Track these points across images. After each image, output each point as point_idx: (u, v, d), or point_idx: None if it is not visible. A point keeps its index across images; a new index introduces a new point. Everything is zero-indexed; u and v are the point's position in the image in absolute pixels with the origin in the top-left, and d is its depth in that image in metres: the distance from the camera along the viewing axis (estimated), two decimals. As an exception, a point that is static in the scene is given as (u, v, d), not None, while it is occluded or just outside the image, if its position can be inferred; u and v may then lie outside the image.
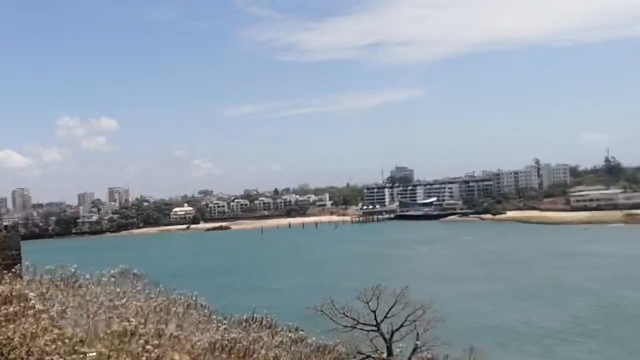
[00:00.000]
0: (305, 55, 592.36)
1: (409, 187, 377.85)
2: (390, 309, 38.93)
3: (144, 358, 15.62)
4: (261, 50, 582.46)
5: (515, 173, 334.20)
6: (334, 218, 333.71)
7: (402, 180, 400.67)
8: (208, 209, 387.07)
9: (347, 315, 38.25)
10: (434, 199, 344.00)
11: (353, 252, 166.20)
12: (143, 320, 19.40)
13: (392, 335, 36.99)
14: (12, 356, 15.66)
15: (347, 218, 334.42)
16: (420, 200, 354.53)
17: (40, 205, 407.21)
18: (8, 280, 24.01)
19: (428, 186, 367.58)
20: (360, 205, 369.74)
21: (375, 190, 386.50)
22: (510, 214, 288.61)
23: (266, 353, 21.02)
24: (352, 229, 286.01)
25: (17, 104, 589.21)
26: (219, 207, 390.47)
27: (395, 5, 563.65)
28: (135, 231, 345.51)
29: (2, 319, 16.84)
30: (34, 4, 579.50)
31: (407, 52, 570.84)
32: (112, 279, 27.49)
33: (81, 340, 17.00)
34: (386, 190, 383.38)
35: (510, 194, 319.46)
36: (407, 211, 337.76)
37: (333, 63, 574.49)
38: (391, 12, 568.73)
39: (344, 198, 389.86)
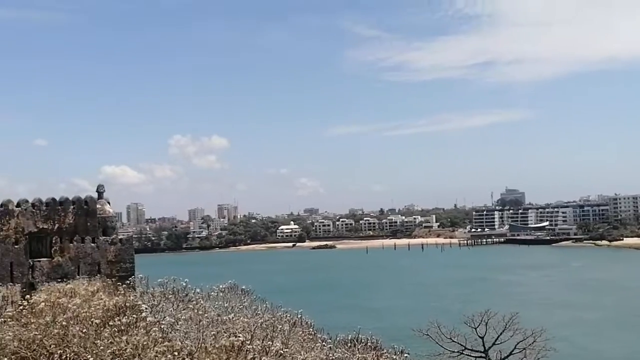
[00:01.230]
0: (413, 75, 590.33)
1: (520, 211, 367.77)
2: (499, 336, 37.81)
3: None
4: (368, 70, 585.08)
5: (634, 198, 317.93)
6: (441, 240, 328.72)
7: (512, 203, 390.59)
8: (313, 228, 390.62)
9: (453, 340, 37.42)
10: (546, 223, 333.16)
11: (460, 276, 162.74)
12: (250, 336, 19.53)
13: (501, 363, 35.84)
14: (124, 366, 16.12)
15: (455, 241, 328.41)
16: (531, 224, 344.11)
17: (153, 220, 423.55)
18: (122, 292, 24.89)
19: (540, 210, 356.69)
20: (468, 227, 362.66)
21: (485, 212, 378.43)
22: (627, 240, 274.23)
23: (371, 375, 20.70)
24: (459, 252, 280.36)
25: (133, 122, 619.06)
26: (324, 225, 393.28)
27: (504, 25, 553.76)
28: (243, 247, 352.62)
29: (115, 330, 17.37)
30: (147, 24, 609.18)
31: (516, 71, 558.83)
32: (221, 294, 28.00)
33: (190, 354, 17.29)
34: (496, 213, 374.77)
35: (628, 219, 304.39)
36: (518, 235, 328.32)
37: (441, 82, 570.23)
38: (500, 31, 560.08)
39: (451, 220, 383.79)
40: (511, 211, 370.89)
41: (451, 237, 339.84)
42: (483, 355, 36.88)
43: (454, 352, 36.90)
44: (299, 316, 28.31)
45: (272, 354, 18.52)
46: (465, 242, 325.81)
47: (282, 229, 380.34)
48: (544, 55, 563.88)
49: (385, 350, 28.06)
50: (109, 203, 37.98)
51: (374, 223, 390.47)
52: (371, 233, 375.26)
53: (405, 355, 27.64)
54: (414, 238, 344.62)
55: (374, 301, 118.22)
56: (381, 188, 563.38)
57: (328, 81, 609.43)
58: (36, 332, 17.51)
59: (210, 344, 18.62)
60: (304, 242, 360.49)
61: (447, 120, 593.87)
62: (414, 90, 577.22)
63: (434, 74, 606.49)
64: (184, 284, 27.55)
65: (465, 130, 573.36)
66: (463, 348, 37.32)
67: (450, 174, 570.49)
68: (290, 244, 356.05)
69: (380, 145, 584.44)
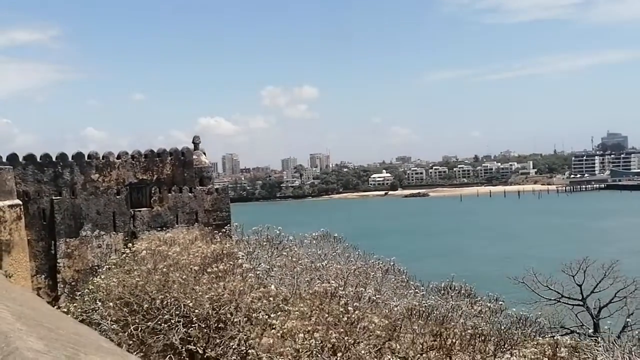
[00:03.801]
0: (509, 16, 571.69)
1: (622, 155, 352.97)
2: (598, 284, 36.75)
3: (344, 319, 15.87)
4: (464, 12, 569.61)
5: None
6: (538, 187, 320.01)
7: (614, 147, 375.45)
8: (406, 176, 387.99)
9: (550, 288, 36.65)
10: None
11: (557, 223, 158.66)
12: (343, 283, 19.75)
13: (599, 311, 34.94)
14: (222, 311, 16.62)
15: (552, 187, 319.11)
16: (634, 169, 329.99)
17: (247, 170, 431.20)
18: (219, 240, 25.57)
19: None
20: (567, 174, 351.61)
21: (585, 158, 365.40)
22: None
23: (464, 322, 20.57)
24: (557, 199, 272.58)
25: (226, 74, 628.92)
26: (416, 173, 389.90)
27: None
28: (335, 196, 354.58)
29: (213, 276, 17.89)
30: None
31: (621, 10, 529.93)
32: (314, 242, 28.34)
33: (285, 299, 17.65)
34: (596, 158, 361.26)
35: None
36: (619, 181, 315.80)
37: (539, 23, 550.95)
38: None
39: (548, 166, 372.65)
40: (612, 156, 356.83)
41: (549, 184, 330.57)
42: (581, 303, 35.99)
43: (550, 299, 36.17)
44: (392, 264, 28.39)
45: (364, 300, 18.68)
46: (564, 188, 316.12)
47: (374, 178, 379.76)
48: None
49: (479, 298, 27.83)
50: (204, 154, 38.89)
51: (468, 170, 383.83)
52: (465, 180, 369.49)
53: (500, 302, 27.27)
54: (510, 185, 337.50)
55: (468, 248, 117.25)
56: (479, 134, 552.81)
57: (424, 25, 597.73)
58: (138, 279, 18.26)
59: (304, 290, 18.94)
60: (397, 190, 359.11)
61: (545, 63, 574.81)
62: (511, 32, 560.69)
63: (532, 14, 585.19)
64: (278, 232, 27.99)
65: (565, 72, 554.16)
66: (560, 296, 36.52)
67: (549, 119, 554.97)
68: (383, 193, 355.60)
69: (476, 90, 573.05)
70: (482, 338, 18.14)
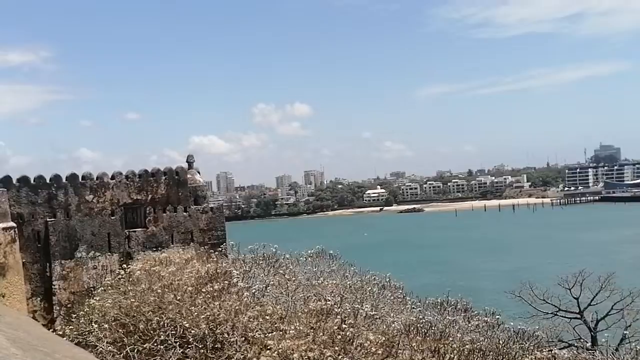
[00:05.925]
0: (500, 31, 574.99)
1: (615, 167, 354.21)
2: (594, 297, 36.78)
3: (339, 336, 15.82)
4: (454, 27, 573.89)
5: None
6: (532, 200, 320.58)
7: (607, 159, 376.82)
8: (400, 191, 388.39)
9: (547, 302, 36.67)
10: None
11: (552, 236, 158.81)
12: (339, 299, 19.69)
13: (597, 324, 34.94)
14: (218, 331, 16.55)
15: (547, 200, 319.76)
16: (627, 180, 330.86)
17: (242, 188, 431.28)
18: (215, 259, 25.51)
19: (637, 165, 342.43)
20: (561, 186, 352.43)
21: (578, 170, 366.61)
22: None
23: (462, 337, 20.53)
24: (552, 212, 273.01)
25: (218, 93, 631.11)
26: (411, 189, 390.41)
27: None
28: (330, 213, 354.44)
29: (209, 296, 17.84)
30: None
31: (610, 22, 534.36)
32: (310, 259, 28.31)
33: (281, 318, 17.59)
34: (590, 170, 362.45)
35: None
36: (613, 193, 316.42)
37: (530, 37, 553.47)
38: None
39: (542, 179, 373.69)
40: (606, 168, 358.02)
41: (543, 197, 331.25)
42: (578, 316, 35.98)
43: (547, 313, 36.16)
44: (388, 279, 28.37)
45: (362, 316, 18.62)
46: (558, 201, 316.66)
47: (368, 194, 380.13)
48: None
49: (475, 312, 27.80)
50: (199, 173, 38.88)
51: (462, 185, 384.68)
52: (460, 195, 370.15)
53: (497, 316, 27.25)
54: (505, 199, 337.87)
55: (464, 262, 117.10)
56: (473, 149, 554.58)
57: (414, 41, 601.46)
58: (133, 300, 18.18)
59: (300, 308, 18.88)
60: (391, 206, 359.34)
61: (537, 76, 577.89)
62: (501, 47, 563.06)
63: (522, 28, 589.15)
64: (274, 250, 27.94)
65: (556, 85, 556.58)
66: (557, 309, 36.53)
67: (542, 132, 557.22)
68: (378, 209, 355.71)
69: (468, 104, 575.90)
70: (481, 353, 18.11)
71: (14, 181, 37.13)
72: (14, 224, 34.74)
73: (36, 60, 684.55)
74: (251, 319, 16.95)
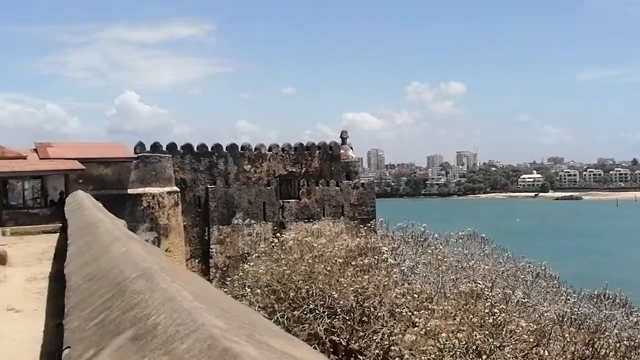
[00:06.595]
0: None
1: None
2: None
3: (490, 320, 15.45)
4: (614, 6, 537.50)
5: None
6: None
7: None
8: (558, 177, 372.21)
9: None
10: None
11: None
12: (490, 284, 19.22)
13: None
14: (366, 304, 16.67)
15: None
16: None
17: (392, 166, 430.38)
18: (364, 234, 25.68)
19: None
20: None
21: None
22: None
23: (619, 332, 19.40)
24: None
25: (373, 70, 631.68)
26: (569, 175, 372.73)
27: None
28: (482, 195, 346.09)
29: (358, 269, 17.98)
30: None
31: None
32: (460, 241, 27.77)
33: (429, 297, 17.44)
34: None
35: None
36: None
37: None
38: None
39: None
40: None
41: None
42: None
43: None
44: (543, 268, 27.26)
45: (512, 303, 18.08)
46: None
47: (523, 178, 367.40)
48: None
49: (635, 308, 26.15)
50: (351, 148, 39.24)
51: (625, 174, 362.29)
52: (622, 184, 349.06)
53: (660, 315, 25.46)
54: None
55: (623, 254, 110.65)
56: (635, 136, 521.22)
57: (575, 21, 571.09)
58: (285, 268, 18.69)
59: (449, 289, 18.62)
60: (547, 192, 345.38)
61: None
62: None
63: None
64: (423, 229, 27.66)
65: None
66: None
67: None
68: (532, 194, 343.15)
69: (632, 89, 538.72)
70: (640, 351, 17.06)
71: (179, 148, 39.33)
72: (177, 189, 36.81)
73: (200, 33, 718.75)
74: (399, 296, 16.93)
